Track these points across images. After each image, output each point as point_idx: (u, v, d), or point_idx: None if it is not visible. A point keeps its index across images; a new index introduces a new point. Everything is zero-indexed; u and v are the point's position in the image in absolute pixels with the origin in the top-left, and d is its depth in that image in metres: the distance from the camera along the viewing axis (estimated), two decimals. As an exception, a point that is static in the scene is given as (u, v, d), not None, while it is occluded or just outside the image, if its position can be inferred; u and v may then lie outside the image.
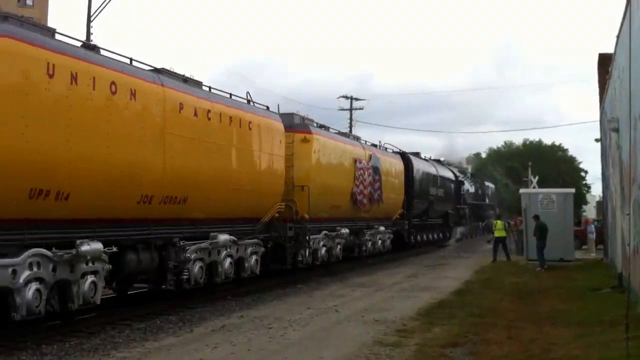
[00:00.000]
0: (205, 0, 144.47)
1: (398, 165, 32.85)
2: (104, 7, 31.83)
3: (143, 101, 13.67)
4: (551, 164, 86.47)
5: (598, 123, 29.68)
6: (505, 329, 12.30)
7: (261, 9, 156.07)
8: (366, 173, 26.84)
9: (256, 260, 18.63)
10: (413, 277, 22.55)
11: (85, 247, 12.15)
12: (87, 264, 12.44)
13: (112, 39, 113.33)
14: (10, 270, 10.90)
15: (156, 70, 14.95)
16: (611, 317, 12.70)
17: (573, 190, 30.10)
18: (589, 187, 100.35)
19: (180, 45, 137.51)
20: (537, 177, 53.74)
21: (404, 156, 35.10)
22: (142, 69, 14.33)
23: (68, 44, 12.51)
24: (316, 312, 14.76)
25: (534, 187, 47.47)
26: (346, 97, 61.12)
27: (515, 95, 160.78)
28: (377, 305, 15.86)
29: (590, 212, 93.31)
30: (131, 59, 14.12)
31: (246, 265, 18.13)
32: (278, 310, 15.14)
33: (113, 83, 12.84)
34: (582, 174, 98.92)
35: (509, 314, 14.23)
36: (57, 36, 12.24)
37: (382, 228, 30.05)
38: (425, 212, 38.23)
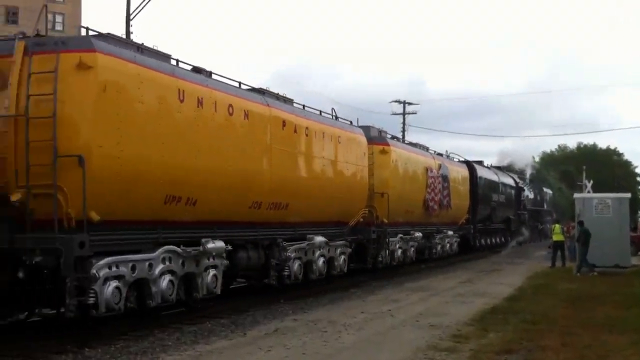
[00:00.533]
0: (253, 2, 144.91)
1: (464, 173, 33.82)
2: (143, 7, 29.88)
3: (254, 120, 15.08)
4: (606, 168, 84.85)
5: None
6: (560, 336, 11.81)
7: (309, 11, 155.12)
8: (436, 181, 27.90)
9: (344, 259, 19.93)
10: (468, 283, 21.86)
11: (210, 245, 13.57)
12: (209, 259, 13.83)
13: (150, 38, 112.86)
14: (147, 263, 12.28)
15: (261, 92, 16.32)
16: (668, 324, 12.13)
17: (629, 195, 28.55)
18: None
19: (226, 47, 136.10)
20: (591, 182, 52.50)
21: (469, 164, 36.16)
22: (252, 92, 15.76)
23: (193, 72, 13.96)
24: (370, 316, 14.29)
25: (589, 192, 46.82)
26: (399, 102, 59.20)
27: (569, 98, 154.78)
28: (431, 310, 15.32)
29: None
30: (240, 83, 15.54)
31: (336, 264, 19.41)
32: (332, 314, 14.63)
33: (230, 105, 14.27)
34: (638, 178, 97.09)
35: (564, 321, 13.69)
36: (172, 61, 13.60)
37: (450, 232, 31.05)
38: (488, 217, 39.01)
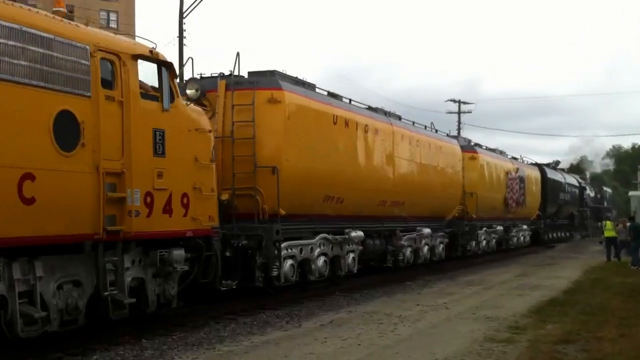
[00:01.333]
0: (314, 2, 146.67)
1: (536, 174, 36.54)
2: (196, 5, 30.40)
3: (382, 136, 18.29)
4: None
5: None
6: (617, 327, 11.43)
7: (366, 11, 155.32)
8: (514, 182, 30.75)
9: (442, 248, 22.96)
10: (522, 276, 21.16)
11: (353, 234, 16.82)
12: (349, 245, 17.03)
13: (201, 35, 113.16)
14: (309, 247, 15.58)
15: (376, 110, 19.32)
16: None
17: None
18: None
19: (286, 46, 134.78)
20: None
21: (539, 167, 38.78)
22: (376, 112, 18.90)
23: (330, 97, 16.92)
24: (426, 308, 13.84)
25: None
26: (454, 101, 58.47)
27: (626, 100, 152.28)
28: (487, 302, 14.81)
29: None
30: (369, 107, 18.72)
31: (436, 251, 22.49)
32: (387, 306, 14.30)
33: (366, 125, 17.50)
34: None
35: (620, 312, 13.26)
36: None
37: (524, 227, 33.86)
38: (555, 214, 41.48)
